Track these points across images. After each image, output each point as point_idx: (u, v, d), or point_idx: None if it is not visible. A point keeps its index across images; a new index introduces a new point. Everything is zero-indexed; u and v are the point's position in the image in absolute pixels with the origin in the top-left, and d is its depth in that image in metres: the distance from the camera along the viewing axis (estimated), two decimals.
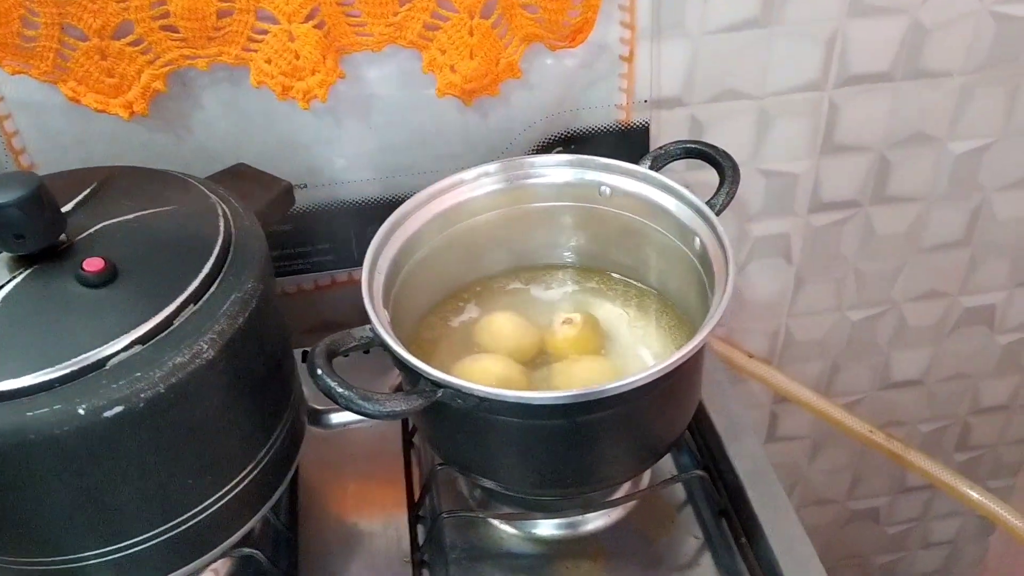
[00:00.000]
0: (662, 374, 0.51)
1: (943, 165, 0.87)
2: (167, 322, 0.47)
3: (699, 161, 0.65)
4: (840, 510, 1.19)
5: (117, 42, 0.65)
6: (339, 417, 0.70)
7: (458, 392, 0.51)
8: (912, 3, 0.76)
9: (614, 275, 0.69)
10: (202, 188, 0.56)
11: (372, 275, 0.57)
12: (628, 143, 0.77)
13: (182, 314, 0.48)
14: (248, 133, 0.72)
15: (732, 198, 0.62)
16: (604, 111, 0.76)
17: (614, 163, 0.64)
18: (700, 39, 0.75)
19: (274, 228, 0.74)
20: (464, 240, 0.67)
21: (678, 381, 0.55)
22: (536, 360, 0.64)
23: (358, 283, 0.57)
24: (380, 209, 0.77)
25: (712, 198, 0.62)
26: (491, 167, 0.65)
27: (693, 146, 0.65)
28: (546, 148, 0.76)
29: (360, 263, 0.60)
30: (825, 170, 0.86)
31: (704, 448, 0.68)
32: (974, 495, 0.87)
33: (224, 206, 0.55)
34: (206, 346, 0.47)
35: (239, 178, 0.62)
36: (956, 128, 0.85)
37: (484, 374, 0.61)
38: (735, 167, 0.63)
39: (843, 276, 0.95)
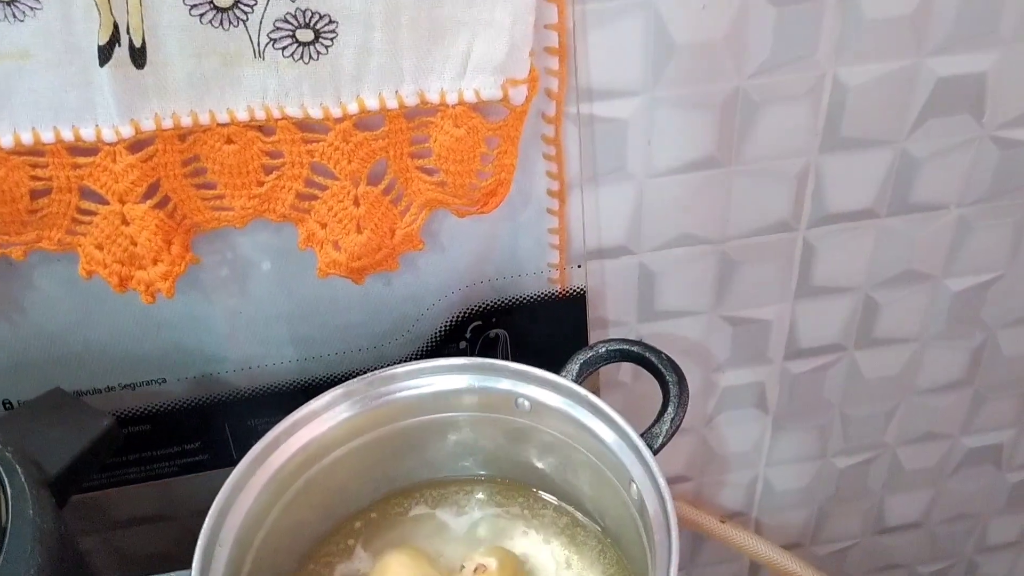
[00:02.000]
0: None
1: (939, 303, 0.75)
2: None
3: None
4: None
5: None
6: None
7: None
8: (897, 133, 0.63)
9: (542, 495, 0.56)
10: None
11: (207, 561, 0.44)
12: (565, 311, 0.64)
13: None
14: (95, 312, 0.59)
15: (679, 426, 0.49)
16: (533, 277, 0.63)
17: (530, 371, 0.51)
18: (646, 182, 0.62)
19: (129, 430, 0.62)
20: (352, 461, 0.54)
21: None
22: None
23: None
24: (264, 397, 0.64)
25: (652, 426, 0.49)
26: (373, 377, 0.52)
27: (630, 349, 0.52)
28: (464, 322, 0.63)
29: (237, 462, 0.48)
30: (802, 314, 0.73)
31: None
32: None
33: (3, 485, 0.42)
34: None
35: (51, 413, 0.49)
36: (953, 264, 0.72)
37: None
38: (681, 383, 0.50)
39: (827, 422, 0.82)
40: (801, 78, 0.60)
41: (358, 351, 0.64)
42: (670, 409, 0.49)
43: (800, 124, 0.62)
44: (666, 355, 0.51)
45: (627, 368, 0.72)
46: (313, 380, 0.64)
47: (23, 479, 0.42)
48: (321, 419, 0.51)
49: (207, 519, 0.45)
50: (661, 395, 0.51)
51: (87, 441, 0.47)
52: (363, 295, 0.62)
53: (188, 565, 0.65)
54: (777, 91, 0.60)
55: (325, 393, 0.51)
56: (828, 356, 0.76)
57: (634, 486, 0.47)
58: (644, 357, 0.51)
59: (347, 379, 0.53)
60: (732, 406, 0.78)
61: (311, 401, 0.51)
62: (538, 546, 0.54)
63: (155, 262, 0.53)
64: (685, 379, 0.50)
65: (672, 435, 0.49)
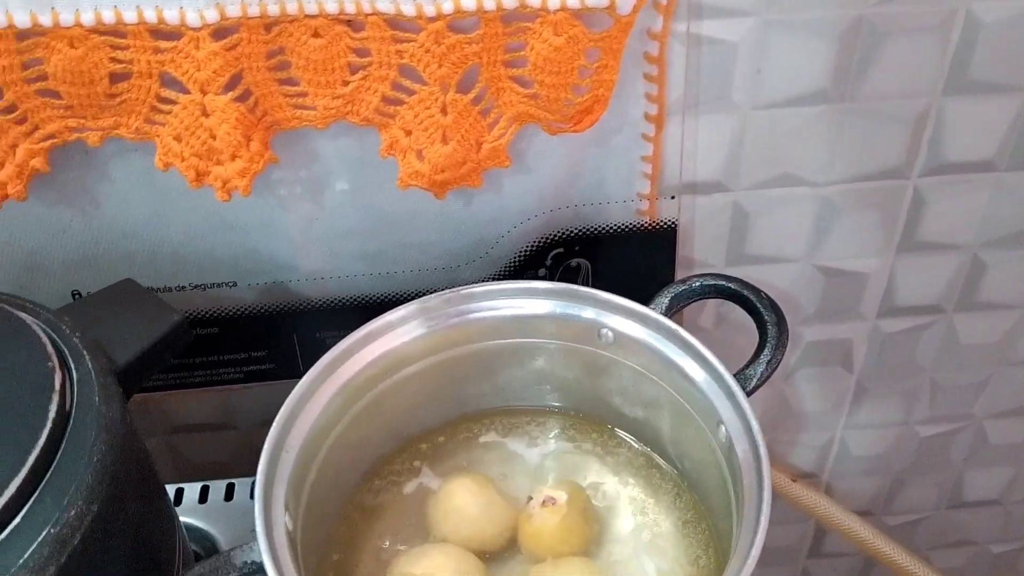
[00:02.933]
0: None
1: None
2: None
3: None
4: None
5: None
6: None
7: None
8: None
9: (619, 432, 0.53)
10: (44, 340, 0.41)
11: (273, 465, 0.42)
12: (652, 245, 0.61)
13: None
14: (169, 209, 0.57)
15: (775, 369, 0.45)
16: (621, 205, 0.59)
17: (617, 300, 0.48)
18: (750, 114, 0.58)
19: (198, 331, 0.61)
20: (423, 380, 0.51)
21: None
22: (506, 550, 0.49)
23: None
24: (334, 310, 0.62)
25: (747, 366, 0.46)
26: (450, 295, 0.49)
27: (726, 284, 0.48)
28: (544, 249, 0.60)
29: (303, 374, 0.46)
30: (902, 270, 0.68)
31: None
32: None
33: (68, 370, 0.40)
34: None
35: (120, 305, 0.48)
36: None
37: None
38: (781, 323, 0.46)
39: (915, 388, 0.77)
40: (931, 10, 0.55)
41: (431, 271, 0.61)
42: (767, 351, 0.45)
43: (924, 61, 0.57)
44: (766, 294, 0.47)
45: (709, 312, 0.69)
46: (384, 297, 0.62)
47: (90, 366, 0.41)
48: (395, 333, 0.49)
49: (275, 423, 0.44)
50: (752, 341, 0.47)
51: (156, 335, 0.45)
52: (441, 213, 0.59)
53: (246, 474, 0.65)
54: (903, 22, 0.55)
55: (401, 307, 0.49)
56: (924, 317, 0.72)
57: (723, 428, 0.44)
58: (742, 295, 0.47)
59: (419, 297, 0.51)
60: (815, 362, 0.74)
61: (386, 313, 0.48)
62: (611, 485, 0.52)
63: (233, 158, 0.51)
64: (785, 321, 0.46)
65: (766, 379, 0.46)
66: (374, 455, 0.52)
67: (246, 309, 0.61)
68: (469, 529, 0.49)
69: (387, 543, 0.49)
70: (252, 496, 0.59)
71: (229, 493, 0.61)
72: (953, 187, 0.63)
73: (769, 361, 0.45)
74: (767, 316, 0.46)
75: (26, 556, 0.34)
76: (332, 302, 0.62)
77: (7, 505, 0.35)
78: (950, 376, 0.77)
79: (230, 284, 0.60)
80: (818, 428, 0.80)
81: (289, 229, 0.59)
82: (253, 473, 0.60)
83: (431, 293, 0.52)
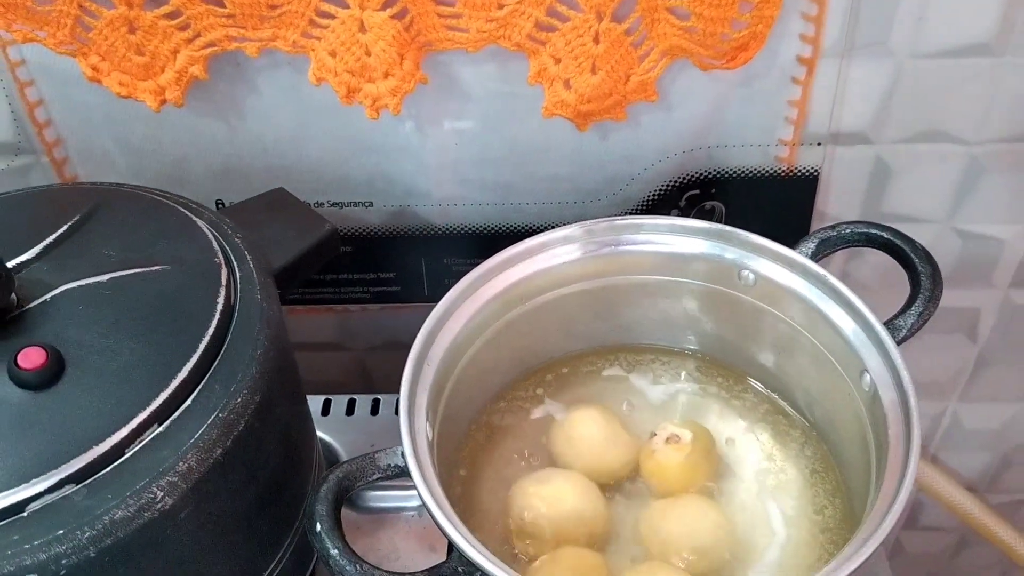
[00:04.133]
0: None
1: None
2: (115, 452, 0.35)
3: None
4: None
5: (150, 13, 0.51)
6: (378, 499, 0.57)
7: None
8: None
9: (749, 379, 0.53)
10: (209, 236, 0.43)
11: (416, 375, 0.43)
12: (788, 194, 0.59)
13: (139, 441, 0.35)
14: (311, 128, 0.58)
15: (926, 321, 0.44)
16: (761, 149, 0.58)
17: (763, 243, 0.47)
18: (906, 63, 0.56)
19: None
20: (553, 310, 0.52)
21: None
22: (624, 484, 0.49)
23: None
24: (461, 238, 0.62)
25: (897, 316, 0.45)
26: (592, 225, 0.49)
27: (878, 233, 0.47)
28: (678, 189, 0.59)
29: (432, 298, 0.47)
30: None
31: None
32: None
33: (232, 267, 0.42)
34: (160, 493, 0.34)
35: (273, 212, 0.49)
36: None
37: (552, 503, 0.47)
38: (936, 276, 0.45)
39: None
40: None
41: (560, 205, 0.61)
42: (919, 302, 0.44)
43: None
44: (920, 245, 0.46)
45: (839, 255, 0.66)
46: (511, 228, 0.62)
47: (252, 264, 0.42)
48: (535, 259, 0.49)
49: (420, 333, 0.44)
50: (883, 303, 0.46)
51: (310, 242, 0.47)
52: (576, 148, 0.59)
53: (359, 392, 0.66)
54: None
55: (545, 233, 0.49)
56: None
57: (867, 377, 0.43)
58: (895, 245, 0.46)
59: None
60: (939, 329, 0.72)
61: (529, 239, 0.49)
62: (737, 430, 0.51)
63: (386, 75, 0.51)
64: (940, 274, 0.45)
65: (917, 331, 0.45)
66: (502, 380, 0.53)
67: (378, 230, 0.62)
68: (591, 458, 0.49)
69: (510, 465, 0.50)
70: (372, 412, 0.61)
71: (350, 408, 0.62)
72: None
73: (921, 313, 0.44)
74: (921, 268, 0.45)
75: (196, 436, 0.36)
76: (460, 230, 0.62)
77: (180, 387, 0.36)
78: None
79: (366, 204, 0.61)
80: (933, 397, 0.78)
81: (424, 155, 0.59)
82: (366, 392, 0.62)
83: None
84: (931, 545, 0.93)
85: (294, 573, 0.45)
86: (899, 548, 0.93)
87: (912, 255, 0.45)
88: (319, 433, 0.60)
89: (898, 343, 0.43)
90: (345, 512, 0.57)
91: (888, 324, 0.44)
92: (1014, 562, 0.84)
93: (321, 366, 0.76)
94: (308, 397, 0.63)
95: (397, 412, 0.61)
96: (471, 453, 0.51)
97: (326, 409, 0.62)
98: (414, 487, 0.39)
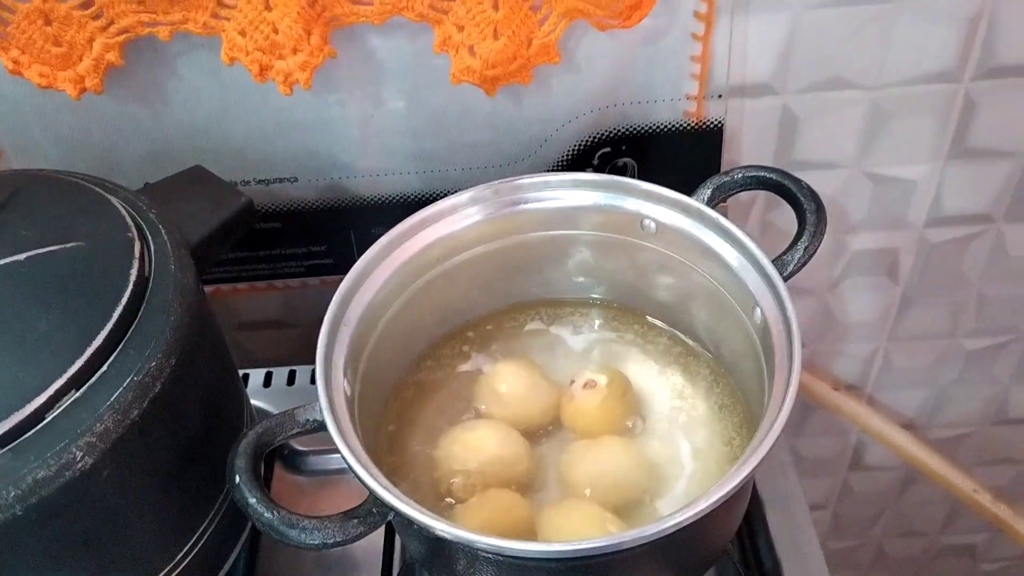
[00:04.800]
0: (691, 520, 0.38)
1: None
2: (35, 417, 0.37)
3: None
4: (930, 544, 1.04)
5: (64, 3, 0.53)
6: (320, 463, 0.60)
7: (411, 521, 0.39)
8: None
9: (658, 323, 0.55)
10: (123, 213, 0.44)
11: (333, 335, 0.45)
12: (698, 146, 0.62)
13: (57, 406, 0.37)
14: (234, 108, 0.60)
15: (812, 255, 0.47)
16: (668, 104, 0.60)
17: (660, 191, 0.50)
18: (802, 13, 0.58)
19: (261, 226, 0.64)
20: (472, 269, 0.54)
21: (716, 512, 0.41)
22: (547, 429, 0.52)
23: None
24: (388, 207, 0.64)
25: (784, 252, 0.47)
26: (500, 185, 0.51)
27: (767, 175, 0.49)
28: (592, 148, 0.62)
29: None
30: (951, 178, 0.69)
31: (751, 554, 0.54)
32: None
33: (146, 241, 0.44)
34: (80, 453, 0.37)
35: (191, 187, 0.51)
36: None
37: (476, 451, 0.49)
38: (820, 211, 0.47)
39: (962, 300, 0.78)
40: None
41: (482, 170, 0.63)
42: (804, 237, 0.47)
43: None
44: (806, 184, 0.48)
45: (758, 208, 0.69)
46: (436, 195, 0.64)
47: (165, 238, 0.44)
48: (447, 220, 0.51)
49: (335, 296, 0.47)
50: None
51: (226, 214, 0.49)
52: (492, 113, 0.61)
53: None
54: None
55: (456, 195, 0.51)
56: (973, 227, 0.72)
57: (758, 311, 0.46)
58: (782, 185, 0.48)
59: None
60: (861, 271, 0.75)
61: (439, 202, 0.51)
62: (651, 373, 0.54)
63: (295, 51, 0.53)
64: (824, 209, 0.47)
65: (803, 265, 0.47)
66: (426, 339, 0.55)
67: (306, 205, 0.64)
68: (514, 408, 0.52)
69: (437, 418, 0.52)
70: (312, 382, 0.63)
71: (291, 379, 0.64)
72: (1006, 91, 0.63)
73: (807, 247, 0.47)
74: (806, 204, 0.47)
75: (112, 399, 0.38)
76: (387, 199, 0.64)
77: (95, 354, 0.38)
78: (998, 289, 0.77)
79: (291, 179, 0.62)
80: (862, 339, 0.81)
81: (347, 128, 0.61)
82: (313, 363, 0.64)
83: None
84: (878, 484, 0.96)
85: (230, 530, 0.48)
86: (847, 489, 0.97)
87: (797, 193, 0.47)
88: (260, 403, 0.62)
89: (786, 278, 0.46)
90: (289, 476, 0.60)
91: (776, 260, 0.46)
92: (955, 496, 0.88)
93: (270, 344, 0.78)
94: (250, 371, 0.65)
95: None
96: (398, 410, 0.53)
97: (267, 381, 0.64)
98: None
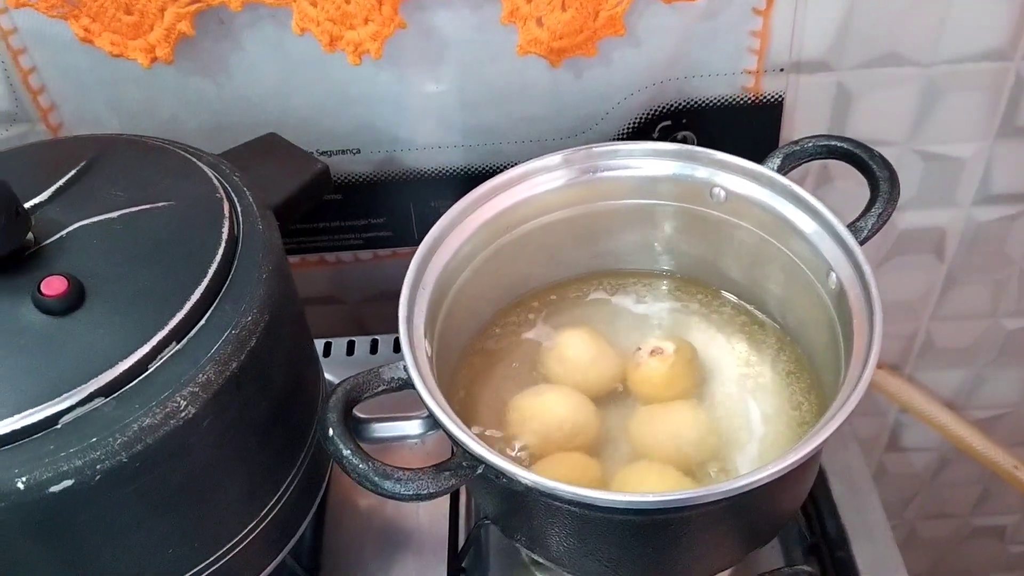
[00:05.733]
0: (767, 480, 0.38)
1: None
2: (139, 368, 0.37)
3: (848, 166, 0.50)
4: (961, 525, 1.05)
5: None
6: (385, 430, 0.60)
7: (502, 473, 0.39)
8: None
9: (725, 294, 0.56)
10: (209, 174, 0.45)
11: (413, 297, 0.46)
12: (755, 121, 0.62)
13: (159, 357, 0.38)
14: (296, 81, 0.61)
15: (885, 222, 0.47)
16: (727, 79, 0.61)
17: (731, 160, 0.50)
18: None
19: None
20: (538, 238, 0.54)
21: (790, 474, 0.42)
22: (613, 396, 0.53)
23: None
24: (446, 181, 0.65)
25: (858, 219, 0.48)
26: (571, 154, 0.52)
27: (838, 144, 0.50)
28: (651, 122, 0.62)
29: (419, 242, 0.49)
30: (1000, 156, 0.69)
31: (816, 521, 0.55)
32: None
33: (233, 202, 0.44)
34: (184, 402, 0.37)
35: (267, 154, 0.51)
36: None
37: (545, 414, 0.50)
38: (893, 179, 0.48)
39: (1005, 279, 0.78)
40: None
41: (540, 143, 0.64)
42: (878, 204, 0.47)
43: None
44: (878, 152, 0.49)
45: (807, 186, 0.69)
46: (496, 169, 0.65)
47: (251, 199, 0.45)
48: (517, 189, 0.52)
49: (413, 260, 0.47)
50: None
51: (305, 178, 0.49)
52: (552, 87, 0.61)
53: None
54: None
55: (523, 163, 0.51)
56: (1019, 205, 0.72)
57: (833, 276, 0.46)
58: (854, 154, 0.49)
59: None
60: (907, 250, 0.75)
61: (510, 170, 0.51)
62: (716, 341, 0.54)
63: (366, 21, 0.54)
64: (897, 176, 0.48)
65: (876, 231, 0.48)
66: (493, 308, 0.56)
67: (366, 177, 0.65)
68: (581, 374, 0.52)
69: (506, 384, 0.53)
70: (371, 351, 0.64)
71: (350, 349, 0.65)
72: None
73: (880, 214, 0.47)
74: (879, 172, 0.48)
75: (212, 351, 0.38)
76: (446, 172, 0.65)
77: (194, 308, 0.39)
78: None
79: (354, 151, 0.63)
80: (905, 318, 0.82)
81: (407, 101, 0.62)
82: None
83: None
84: (913, 466, 0.97)
85: (304, 496, 0.48)
86: (882, 470, 0.97)
87: (869, 161, 0.48)
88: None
89: (860, 243, 0.46)
90: None
91: (850, 226, 0.47)
92: (996, 475, 0.89)
93: (318, 320, 0.78)
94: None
95: (396, 349, 0.64)
96: (468, 377, 0.54)
97: (327, 351, 0.65)
98: (417, 410, 0.42)
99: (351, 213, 0.66)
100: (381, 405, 0.53)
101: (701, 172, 0.51)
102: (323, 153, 0.63)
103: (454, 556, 0.54)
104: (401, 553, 0.55)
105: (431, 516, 0.56)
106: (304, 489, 0.48)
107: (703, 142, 0.64)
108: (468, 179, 0.65)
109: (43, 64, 0.60)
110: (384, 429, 0.60)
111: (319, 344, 0.65)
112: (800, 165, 0.51)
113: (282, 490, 0.45)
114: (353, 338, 0.66)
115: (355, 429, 0.61)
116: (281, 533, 0.47)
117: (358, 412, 0.61)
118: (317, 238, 0.68)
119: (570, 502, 0.40)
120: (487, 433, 0.51)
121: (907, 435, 0.93)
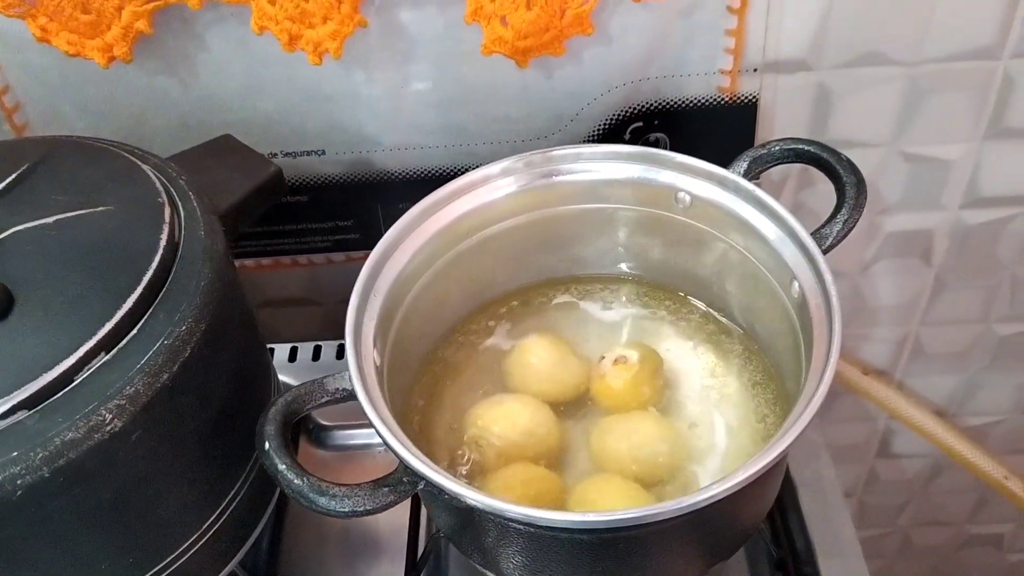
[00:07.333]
0: (727, 494, 0.37)
1: None
2: (64, 379, 0.36)
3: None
4: (957, 533, 1.03)
5: None
6: (348, 438, 0.59)
7: (442, 490, 0.38)
8: None
9: (693, 301, 0.54)
10: (153, 178, 0.44)
11: (363, 305, 0.45)
12: (731, 123, 0.61)
13: (87, 368, 0.37)
14: (263, 80, 0.59)
15: (850, 229, 0.46)
16: (702, 79, 0.59)
17: (695, 163, 0.49)
18: None
19: (287, 199, 0.63)
20: (500, 243, 0.53)
21: (751, 487, 0.40)
22: (577, 405, 0.51)
23: None
24: (415, 183, 0.64)
25: (823, 225, 0.46)
26: (530, 157, 0.50)
27: (806, 148, 0.48)
28: (623, 123, 0.61)
29: None
30: (988, 158, 0.67)
31: (784, 536, 0.53)
32: None
33: (176, 206, 0.43)
34: (109, 415, 0.36)
35: (221, 156, 0.50)
36: None
37: (504, 424, 0.49)
38: (860, 185, 0.46)
39: (996, 284, 0.76)
40: None
41: (510, 144, 0.62)
42: (844, 211, 0.46)
43: None
44: (846, 156, 0.47)
45: (789, 188, 0.68)
46: (463, 170, 0.63)
47: (195, 204, 0.44)
48: (478, 192, 0.50)
49: (365, 265, 0.46)
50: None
51: (255, 182, 0.48)
52: (522, 86, 0.60)
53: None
54: None
55: (485, 167, 0.50)
56: (1010, 209, 0.70)
57: (796, 284, 0.45)
58: (821, 158, 0.47)
59: None
60: (894, 254, 0.74)
61: (471, 173, 0.50)
62: (682, 350, 0.53)
63: (325, 20, 0.52)
64: (864, 182, 0.46)
65: (842, 239, 0.46)
66: (455, 313, 0.55)
67: (333, 179, 0.63)
68: (543, 382, 0.51)
69: (466, 393, 0.52)
70: (337, 357, 0.63)
71: (316, 354, 0.64)
72: None
73: (845, 220, 0.46)
74: (846, 177, 0.46)
75: (143, 361, 0.37)
76: (414, 174, 0.64)
77: (125, 317, 0.38)
78: None
79: (319, 152, 0.62)
80: (893, 323, 0.80)
81: (375, 101, 0.60)
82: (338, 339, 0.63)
83: None
84: (905, 472, 0.95)
85: (256, 503, 0.47)
86: (874, 477, 0.96)
87: (836, 165, 0.46)
88: (286, 378, 0.62)
89: (824, 251, 0.45)
90: (313, 451, 0.60)
91: (814, 233, 0.45)
92: (988, 485, 0.87)
93: (295, 322, 0.78)
94: (276, 346, 0.65)
95: None
96: (428, 384, 0.53)
97: (293, 356, 0.64)
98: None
99: (318, 215, 0.65)
100: (346, 412, 0.52)
101: (665, 176, 0.50)
102: (288, 154, 0.62)
103: (412, 565, 0.53)
104: (361, 562, 0.54)
105: (391, 525, 0.55)
106: (254, 499, 0.47)
107: (677, 144, 0.62)
108: (438, 180, 0.63)
109: (6, 63, 0.59)
110: (347, 437, 0.59)
111: (284, 349, 0.64)
112: (768, 169, 0.49)
113: (227, 501, 0.44)
114: (320, 343, 0.65)
115: (317, 436, 0.60)
116: (229, 544, 0.46)
117: (321, 419, 0.60)
118: (284, 240, 0.67)
119: (517, 521, 0.39)
120: (448, 444, 0.50)
121: (898, 441, 0.91)
